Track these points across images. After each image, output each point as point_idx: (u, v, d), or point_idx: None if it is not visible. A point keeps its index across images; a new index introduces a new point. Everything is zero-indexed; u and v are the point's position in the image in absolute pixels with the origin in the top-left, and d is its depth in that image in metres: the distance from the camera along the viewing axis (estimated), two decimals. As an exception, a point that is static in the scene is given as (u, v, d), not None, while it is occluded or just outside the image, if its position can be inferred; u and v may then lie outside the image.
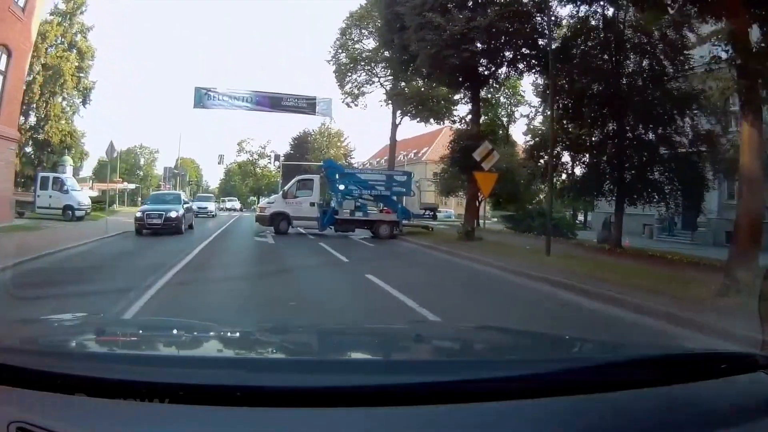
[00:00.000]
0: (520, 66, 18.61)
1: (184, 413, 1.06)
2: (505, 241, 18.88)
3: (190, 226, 20.87)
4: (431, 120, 29.05)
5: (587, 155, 17.66)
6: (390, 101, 29.55)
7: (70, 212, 23.87)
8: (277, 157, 51.63)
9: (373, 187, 21.44)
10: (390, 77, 29.13)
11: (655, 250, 17.86)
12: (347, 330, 2.64)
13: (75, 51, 39.26)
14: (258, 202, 40.41)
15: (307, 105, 29.11)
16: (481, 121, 22.17)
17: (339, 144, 67.46)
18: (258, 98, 28.04)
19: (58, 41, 39.41)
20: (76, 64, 39.24)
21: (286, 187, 21.94)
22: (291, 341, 2.05)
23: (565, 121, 17.27)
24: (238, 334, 2.15)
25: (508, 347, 2.06)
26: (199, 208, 29.97)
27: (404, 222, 21.50)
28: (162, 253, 13.19)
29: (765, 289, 6.68)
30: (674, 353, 1.65)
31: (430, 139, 55.32)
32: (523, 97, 34.48)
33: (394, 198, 22.01)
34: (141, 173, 78.21)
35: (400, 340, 2.20)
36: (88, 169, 50.61)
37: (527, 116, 35.47)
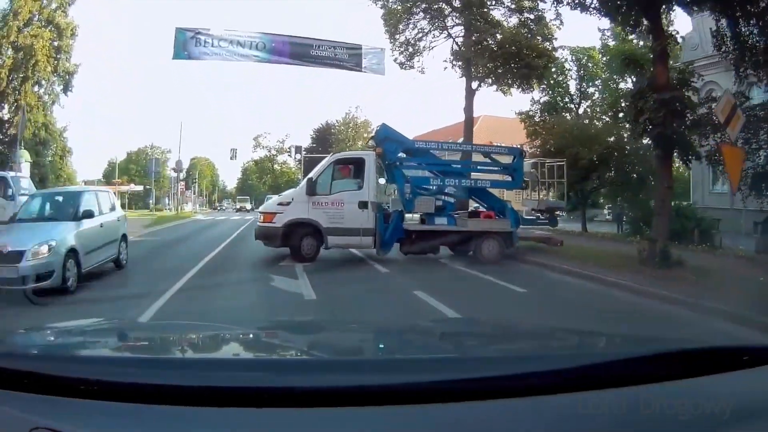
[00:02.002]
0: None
1: (204, 416, 1.06)
2: (721, 266, 10.89)
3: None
4: (520, 85, 20.73)
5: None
6: (461, 60, 20.90)
7: None
8: (298, 150, 43.92)
9: (462, 174, 13.06)
10: (461, 24, 20.67)
11: None
12: (364, 328, 2.58)
13: (51, 27, 32.09)
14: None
15: (348, 56, 19.02)
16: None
17: (366, 135, 60.26)
18: (274, 44, 18.10)
19: (35, 18, 32.57)
20: (55, 43, 32.29)
21: (312, 174, 12.07)
22: (305, 341, 2.01)
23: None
24: (252, 335, 2.12)
25: (530, 343, 2.03)
26: None
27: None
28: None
29: None
30: (696, 347, 1.51)
31: (460, 130, 47.03)
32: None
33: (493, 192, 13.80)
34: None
35: (420, 337, 2.16)
36: (93, 172, 43.66)
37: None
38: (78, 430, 1.03)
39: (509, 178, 13.37)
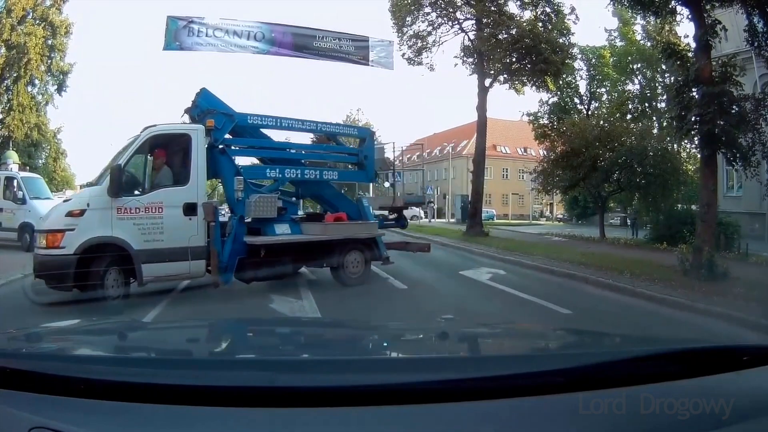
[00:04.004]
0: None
1: (204, 415, 1.05)
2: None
3: None
4: (533, 83, 19.63)
5: None
6: (473, 56, 19.76)
7: (29, 236, 12.11)
8: (299, 153, 42.63)
9: (301, 165, 9.56)
10: (472, 18, 19.50)
11: None
12: (364, 327, 2.56)
13: (44, 24, 31.10)
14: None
15: (354, 49, 17.30)
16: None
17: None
18: (273, 34, 16.43)
19: (28, 16, 31.62)
20: (49, 41, 31.28)
21: (122, 160, 7.50)
22: (305, 340, 2.04)
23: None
24: (252, 335, 2.13)
25: (530, 343, 2.05)
26: None
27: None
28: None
29: None
30: (697, 347, 1.57)
31: (468, 131, 45.95)
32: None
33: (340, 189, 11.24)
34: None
35: (423, 337, 2.14)
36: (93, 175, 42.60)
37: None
38: (78, 430, 1.02)
39: (356, 169, 10.10)
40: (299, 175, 9.23)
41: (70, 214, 7.13)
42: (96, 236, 7.04)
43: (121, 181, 7.20)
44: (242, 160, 9.06)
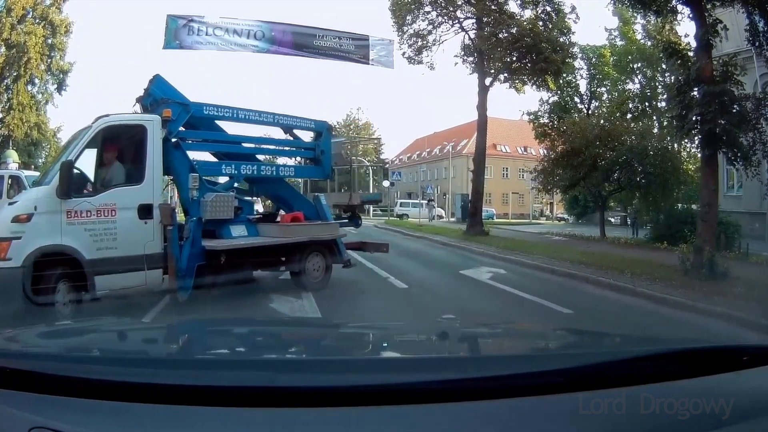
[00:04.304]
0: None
1: (204, 415, 1.05)
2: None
3: None
4: (533, 82, 19.61)
5: None
6: (473, 55, 19.75)
7: None
8: (299, 152, 42.65)
9: (257, 161, 8.98)
10: (472, 17, 19.47)
11: None
12: (364, 327, 2.57)
13: (44, 23, 31.11)
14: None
15: (355, 48, 17.33)
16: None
17: (369, 136, 59.44)
18: (274, 33, 16.34)
19: (28, 15, 31.64)
20: (49, 40, 31.29)
21: (72, 155, 6.54)
22: (304, 340, 2.04)
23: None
24: (251, 335, 2.13)
25: (530, 342, 2.05)
26: None
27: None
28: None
29: None
30: (696, 347, 1.57)
31: (468, 130, 45.92)
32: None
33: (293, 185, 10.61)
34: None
35: (423, 337, 2.14)
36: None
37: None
38: (78, 430, 1.03)
39: (312, 163, 9.46)
40: (255, 172, 8.49)
41: (16, 219, 6.05)
42: (45, 245, 6.03)
43: (71, 180, 6.21)
44: (194, 156, 8.11)
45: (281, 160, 10.60)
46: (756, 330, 6.46)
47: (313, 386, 1.12)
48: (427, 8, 20.22)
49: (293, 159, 10.70)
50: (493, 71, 20.03)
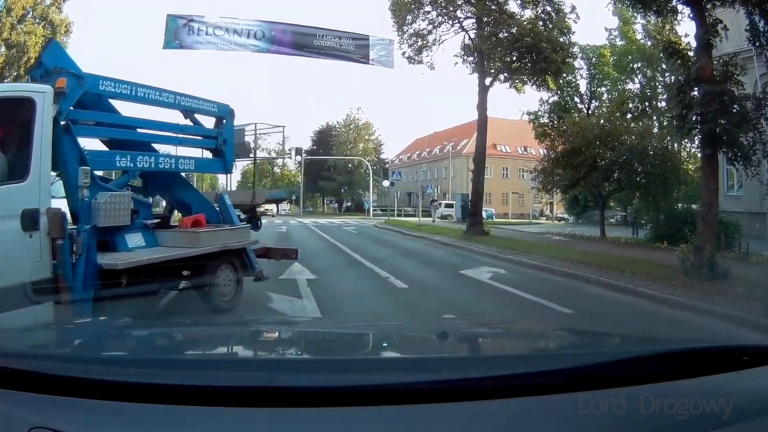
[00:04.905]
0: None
1: (203, 415, 1.05)
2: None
3: None
4: (533, 82, 19.60)
5: None
6: (473, 54, 19.70)
7: None
8: (298, 152, 42.69)
9: (155, 151, 6.94)
10: (472, 17, 19.44)
11: None
12: (363, 327, 2.50)
13: (44, 23, 31.14)
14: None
15: (355, 47, 17.52)
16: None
17: (368, 137, 59.41)
18: (273, 33, 16.35)
19: (28, 15, 31.70)
20: (47, 38, 31.32)
21: None
22: (304, 340, 2.03)
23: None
24: (251, 335, 2.12)
25: (530, 342, 2.05)
26: None
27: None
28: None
29: None
30: (696, 347, 1.57)
31: (468, 130, 45.95)
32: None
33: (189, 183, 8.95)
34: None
35: (424, 337, 2.13)
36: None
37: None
38: (78, 430, 1.02)
39: (212, 155, 7.66)
40: (153, 165, 6.61)
41: None
42: None
43: None
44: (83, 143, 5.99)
45: (170, 151, 8.33)
46: (756, 330, 6.47)
47: (313, 386, 1.12)
48: (427, 8, 20.27)
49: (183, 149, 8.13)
50: (493, 71, 20.07)
